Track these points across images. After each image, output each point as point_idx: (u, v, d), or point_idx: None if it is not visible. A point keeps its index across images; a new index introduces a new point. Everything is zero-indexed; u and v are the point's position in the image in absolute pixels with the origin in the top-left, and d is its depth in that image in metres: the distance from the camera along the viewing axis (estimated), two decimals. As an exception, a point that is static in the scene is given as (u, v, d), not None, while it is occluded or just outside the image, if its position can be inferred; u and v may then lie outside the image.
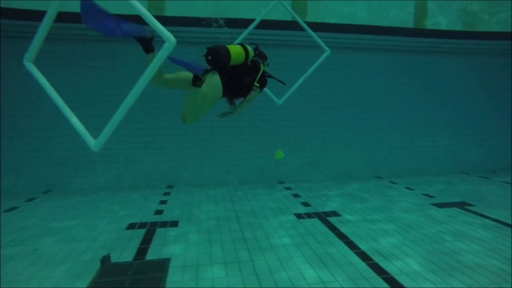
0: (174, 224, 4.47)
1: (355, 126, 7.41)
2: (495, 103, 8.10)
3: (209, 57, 2.58)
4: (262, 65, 3.03)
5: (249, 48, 2.85)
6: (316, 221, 4.54)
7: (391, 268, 3.19)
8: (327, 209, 5.10)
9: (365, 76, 7.38)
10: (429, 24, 7.36)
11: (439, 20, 7.44)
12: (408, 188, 6.45)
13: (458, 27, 7.56)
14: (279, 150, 3.92)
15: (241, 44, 2.85)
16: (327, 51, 4.17)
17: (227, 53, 2.61)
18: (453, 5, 7.58)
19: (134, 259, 3.43)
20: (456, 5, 7.59)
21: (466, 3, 7.64)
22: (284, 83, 3.35)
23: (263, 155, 6.96)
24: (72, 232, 4.16)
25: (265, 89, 3.49)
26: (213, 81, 2.62)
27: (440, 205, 5.30)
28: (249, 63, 2.90)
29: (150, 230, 4.24)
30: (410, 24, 7.33)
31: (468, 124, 8.01)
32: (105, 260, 2.47)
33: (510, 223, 4.41)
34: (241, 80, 2.83)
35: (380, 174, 7.59)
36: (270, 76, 3.18)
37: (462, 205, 5.28)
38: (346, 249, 3.60)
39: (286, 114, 7.00)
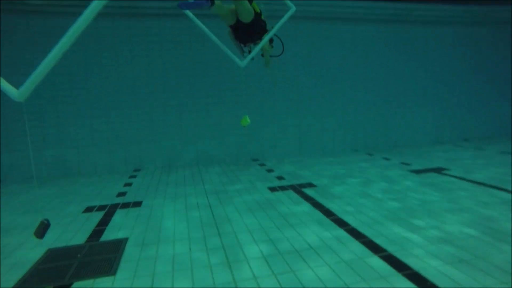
0: (137, 204, 4.10)
1: (331, 99, 7.18)
2: (474, 75, 8.10)
3: None
4: None
5: None
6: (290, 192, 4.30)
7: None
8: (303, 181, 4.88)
9: (343, 49, 7.14)
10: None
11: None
12: (385, 158, 6.33)
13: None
14: (245, 116, 3.60)
15: None
16: (293, 8, 3.85)
17: None
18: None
19: (87, 241, 3.07)
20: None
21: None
22: None
23: (237, 132, 6.63)
24: (18, 219, 3.72)
25: (229, 51, 3.65)
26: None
27: (418, 172, 5.19)
28: None
29: (109, 212, 3.86)
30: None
31: (443, 96, 7.97)
32: (39, 225, 2.09)
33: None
34: None
35: (357, 147, 7.44)
36: None
37: (439, 170, 5.20)
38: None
39: (260, 88, 6.68)
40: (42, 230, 2.15)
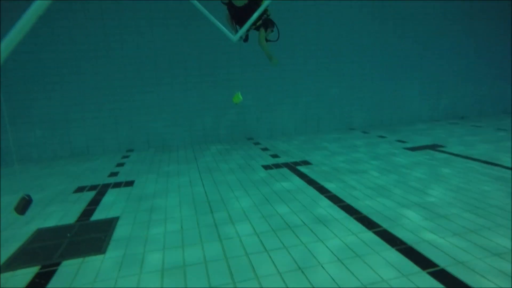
0: (129, 184, 4.05)
1: (326, 78, 7.04)
2: (471, 51, 7.93)
3: None
4: None
5: None
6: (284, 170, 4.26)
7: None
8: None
9: (339, 25, 6.93)
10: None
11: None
12: (381, 136, 6.28)
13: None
14: (237, 92, 3.51)
15: None
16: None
17: None
18: None
19: (77, 220, 3.02)
20: None
21: None
22: None
23: (232, 111, 6.52)
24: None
25: (222, 26, 3.64)
26: None
27: (413, 149, 5.15)
28: None
29: (100, 191, 3.81)
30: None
31: (439, 74, 7.84)
32: (20, 201, 2.01)
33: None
34: None
35: (353, 126, 7.38)
36: None
37: (433, 147, 5.17)
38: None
39: (252, 65, 6.52)
40: (23, 205, 2.07)
